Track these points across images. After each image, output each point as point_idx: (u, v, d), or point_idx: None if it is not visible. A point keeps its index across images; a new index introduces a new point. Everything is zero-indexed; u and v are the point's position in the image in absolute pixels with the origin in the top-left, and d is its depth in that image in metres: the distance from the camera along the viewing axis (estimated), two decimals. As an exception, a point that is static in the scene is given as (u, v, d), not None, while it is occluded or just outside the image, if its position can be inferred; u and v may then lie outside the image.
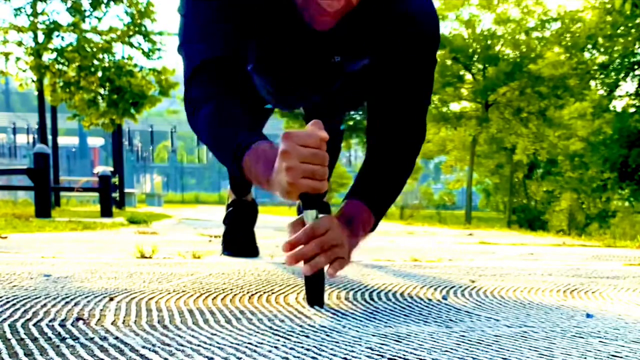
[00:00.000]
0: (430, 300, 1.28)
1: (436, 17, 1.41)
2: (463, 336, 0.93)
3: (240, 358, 0.77)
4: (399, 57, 1.36)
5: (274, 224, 5.24)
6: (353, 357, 0.79)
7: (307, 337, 0.90)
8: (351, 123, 17.11)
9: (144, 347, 0.82)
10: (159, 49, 11.30)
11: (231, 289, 1.34)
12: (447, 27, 19.19)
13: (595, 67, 19.69)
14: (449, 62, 18.41)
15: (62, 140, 24.42)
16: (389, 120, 1.39)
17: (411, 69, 1.37)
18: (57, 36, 10.51)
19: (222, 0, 1.28)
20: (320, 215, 1.12)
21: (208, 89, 1.26)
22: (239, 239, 2.23)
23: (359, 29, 1.34)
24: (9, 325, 0.93)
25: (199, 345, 0.83)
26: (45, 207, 6.77)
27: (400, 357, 0.79)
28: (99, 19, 10.99)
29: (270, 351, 0.81)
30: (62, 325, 0.93)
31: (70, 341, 0.84)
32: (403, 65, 1.36)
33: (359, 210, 1.28)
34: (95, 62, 10.71)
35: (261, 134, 1.19)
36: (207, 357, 0.77)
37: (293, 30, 1.33)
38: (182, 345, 0.83)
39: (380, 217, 1.35)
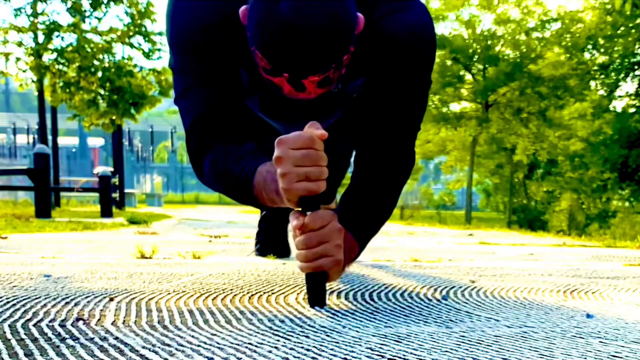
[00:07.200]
0: (430, 300, 1.28)
1: (430, 36, 1.31)
2: (463, 336, 0.93)
3: (240, 358, 0.77)
4: (390, 78, 1.30)
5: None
6: (353, 357, 0.79)
7: (307, 337, 0.90)
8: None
9: (144, 347, 0.82)
10: (159, 49, 11.31)
11: (231, 289, 1.34)
12: (447, 28, 19.22)
13: (595, 68, 19.70)
14: (449, 62, 18.39)
15: (62, 141, 24.42)
16: (377, 144, 1.34)
17: (402, 90, 1.31)
18: (57, 36, 10.51)
19: (208, 59, 1.25)
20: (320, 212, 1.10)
21: (206, 142, 1.25)
22: (274, 240, 2.24)
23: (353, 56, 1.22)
24: (9, 325, 0.93)
25: (199, 346, 0.83)
26: (45, 207, 6.77)
27: (400, 357, 0.79)
28: (99, 20, 11.00)
29: (270, 351, 0.81)
30: (62, 326, 0.93)
31: (70, 341, 0.84)
32: (394, 86, 1.30)
33: (344, 238, 1.20)
34: (95, 62, 10.72)
35: (264, 157, 1.16)
36: (207, 357, 0.77)
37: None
38: (182, 346, 0.83)
39: (365, 245, 1.31)
